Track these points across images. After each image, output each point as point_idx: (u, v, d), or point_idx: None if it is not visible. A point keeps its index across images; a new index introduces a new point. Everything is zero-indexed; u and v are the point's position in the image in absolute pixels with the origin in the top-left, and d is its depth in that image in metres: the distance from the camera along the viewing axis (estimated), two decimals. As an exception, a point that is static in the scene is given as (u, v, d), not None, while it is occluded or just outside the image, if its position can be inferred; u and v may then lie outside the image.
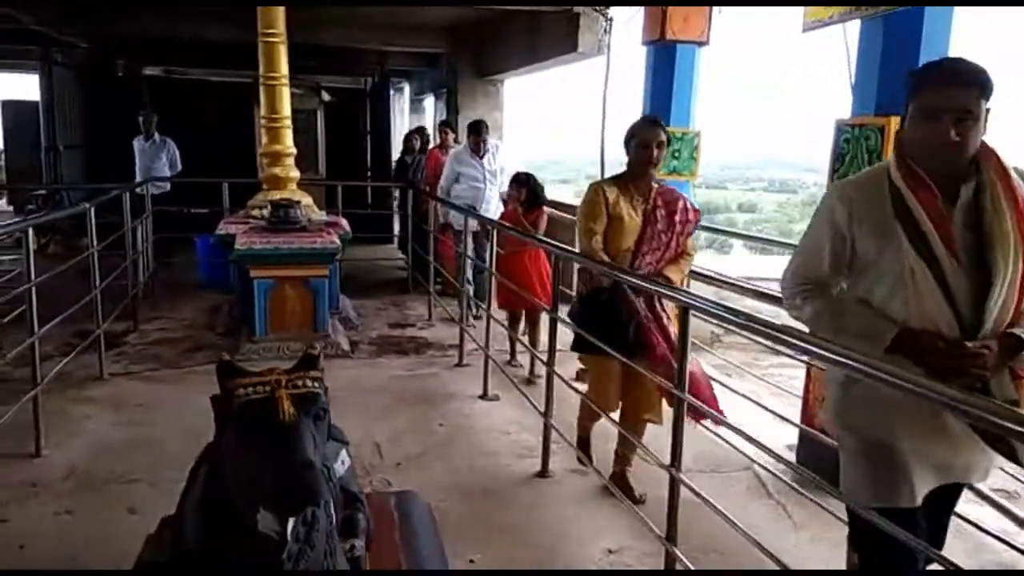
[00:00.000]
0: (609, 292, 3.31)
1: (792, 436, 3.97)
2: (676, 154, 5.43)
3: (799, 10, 3.81)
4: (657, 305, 3.28)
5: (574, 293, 3.57)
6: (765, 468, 3.45)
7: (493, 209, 6.60)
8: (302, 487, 1.37)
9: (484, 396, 4.76)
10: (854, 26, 3.53)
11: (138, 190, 7.35)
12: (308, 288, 5.57)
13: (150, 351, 5.60)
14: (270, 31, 6.16)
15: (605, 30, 7.24)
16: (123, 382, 4.92)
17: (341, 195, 8.07)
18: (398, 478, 3.58)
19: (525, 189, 5.25)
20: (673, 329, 3.20)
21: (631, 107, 7.42)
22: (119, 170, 9.29)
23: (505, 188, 6.27)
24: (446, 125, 8.21)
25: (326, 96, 10.06)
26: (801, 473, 2.73)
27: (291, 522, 1.47)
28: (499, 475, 3.71)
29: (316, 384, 1.55)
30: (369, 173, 12.24)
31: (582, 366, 5.03)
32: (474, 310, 6.27)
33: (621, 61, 7.53)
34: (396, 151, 11.17)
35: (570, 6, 7.20)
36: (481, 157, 6.68)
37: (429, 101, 14.84)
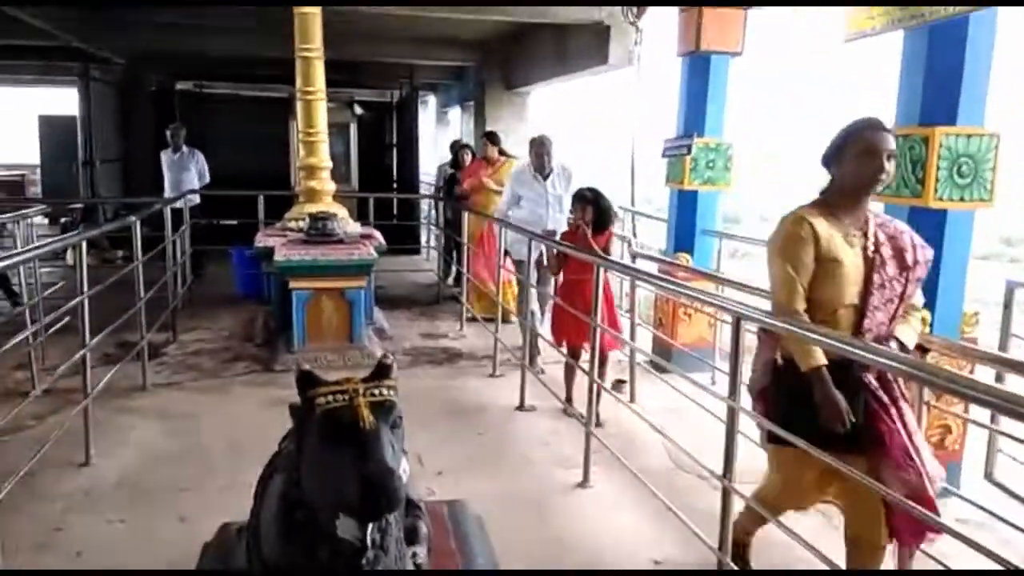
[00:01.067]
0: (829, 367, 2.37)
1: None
2: (711, 164, 5.45)
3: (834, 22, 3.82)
4: (897, 384, 2.43)
5: (762, 356, 2.55)
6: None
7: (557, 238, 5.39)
8: (385, 493, 1.40)
9: (521, 407, 4.78)
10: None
11: (177, 203, 7.47)
12: (345, 300, 5.64)
13: (190, 361, 5.69)
14: (307, 47, 6.24)
15: (636, 41, 7.28)
16: (166, 392, 5.00)
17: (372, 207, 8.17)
18: (440, 487, 3.61)
19: (592, 208, 4.58)
20: (912, 416, 2.46)
21: (659, 118, 7.45)
22: (152, 183, 9.49)
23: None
24: (490, 137, 7.60)
25: (358, 110, 10.18)
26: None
27: (369, 528, 1.51)
28: (541, 485, 3.73)
29: (392, 392, 1.59)
30: (395, 185, 12.38)
31: (621, 378, 5.08)
32: (540, 352, 5.54)
33: (649, 72, 7.57)
34: (424, 163, 11.27)
35: (604, 5, 7.18)
36: (545, 177, 5.68)
37: (455, 113, 14.96)
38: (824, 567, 2.23)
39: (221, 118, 10.74)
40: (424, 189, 11.33)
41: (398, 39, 10.01)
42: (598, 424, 4.27)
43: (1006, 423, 3.29)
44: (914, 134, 3.33)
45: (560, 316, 4.70)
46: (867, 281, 2.42)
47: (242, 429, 4.32)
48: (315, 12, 6.22)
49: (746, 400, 2.45)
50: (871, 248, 2.45)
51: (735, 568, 2.44)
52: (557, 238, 4.87)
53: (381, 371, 1.63)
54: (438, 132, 16.21)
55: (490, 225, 6.51)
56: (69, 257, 7.79)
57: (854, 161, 2.43)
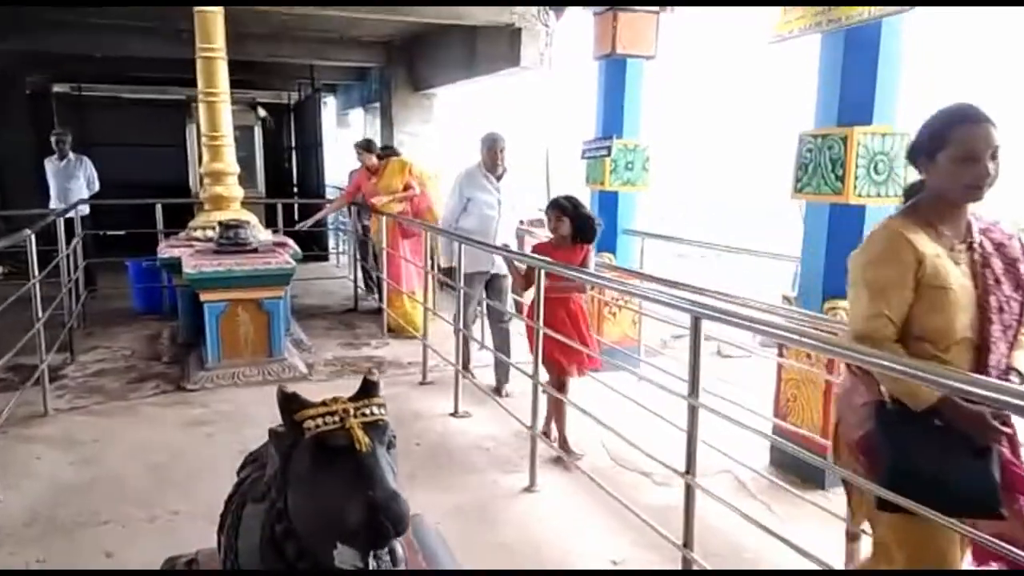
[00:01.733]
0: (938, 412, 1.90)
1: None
2: (629, 166, 5.54)
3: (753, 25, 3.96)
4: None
5: (859, 398, 2.10)
6: (749, 468, 3.54)
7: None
8: (391, 519, 1.33)
9: (455, 413, 4.71)
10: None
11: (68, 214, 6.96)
12: (262, 311, 5.40)
13: (92, 383, 5.31)
14: (209, 46, 5.95)
15: (546, 44, 7.35)
16: (70, 418, 4.64)
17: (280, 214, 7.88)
18: (385, 501, 3.50)
19: (569, 220, 4.07)
20: None
21: (574, 119, 7.51)
22: (33, 193, 8.82)
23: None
24: (364, 146, 6.99)
25: (262, 112, 9.80)
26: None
27: (370, 556, 1.42)
28: (489, 492, 3.68)
29: (383, 411, 1.51)
30: (296, 189, 11.99)
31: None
32: (507, 380, 5.11)
33: (561, 74, 7.66)
34: (332, 167, 10.97)
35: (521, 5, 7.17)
36: (499, 179, 5.21)
37: (356, 115, 14.65)
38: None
39: (107, 122, 10.10)
40: (333, 193, 11.03)
41: (297, 39, 9.70)
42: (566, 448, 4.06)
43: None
44: (833, 134, 3.49)
45: (545, 341, 3.85)
46: (982, 306, 1.95)
47: (159, 454, 4.06)
48: (216, 10, 5.94)
49: (705, 398, 2.47)
50: (979, 263, 1.99)
51: (706, 568, 2.47)
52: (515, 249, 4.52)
53: (368, 389, 1.55)
54: (339, 134, 15.83)
55: (399, 229, 6.53)
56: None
57: (949, 159, 1.95)
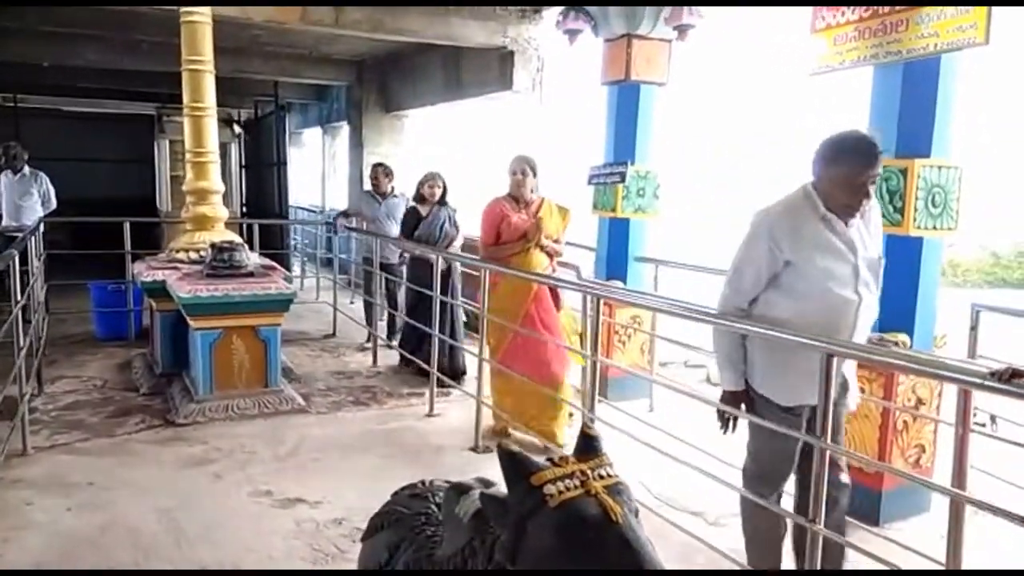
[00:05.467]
0: None
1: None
2: (641, 192, 5.46)
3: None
4: None
5: None
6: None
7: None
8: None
9: (475, 448, 4.48)
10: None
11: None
12: (258, 338, 5.07)
13: (68, 417, 4.87)
14: (196, 58, 5.62)
15: (538, 68, 7.26)
16: (53, 457, 4.21)
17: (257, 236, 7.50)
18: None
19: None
20: None
21: (563, 143, 7.40)
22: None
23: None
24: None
25: (237, 129, 9.38)
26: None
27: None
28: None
29: (615, 471, 1.32)
30: (244, 209, 11.47)
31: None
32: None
33: (550, 98, 7.58)
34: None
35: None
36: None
37: (312, 134, 14.24)
38: None
39: (61, 136, 9.50)
40: (296, 215, 10.64)
41: (267, 55, 9.35)
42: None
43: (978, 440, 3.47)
44: (891, 165, 3.46)
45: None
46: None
47: (165, 497, 3.71)
48: (205, 20, 5.62)
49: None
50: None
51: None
52: None
53: (590, 444, 1.36)
54: (291, 154, 15.37)
55: (541, 291, 4.60)
56: None
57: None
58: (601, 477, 1.28)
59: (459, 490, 1.45)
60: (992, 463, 3.50)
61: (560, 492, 1.23)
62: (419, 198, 6.10)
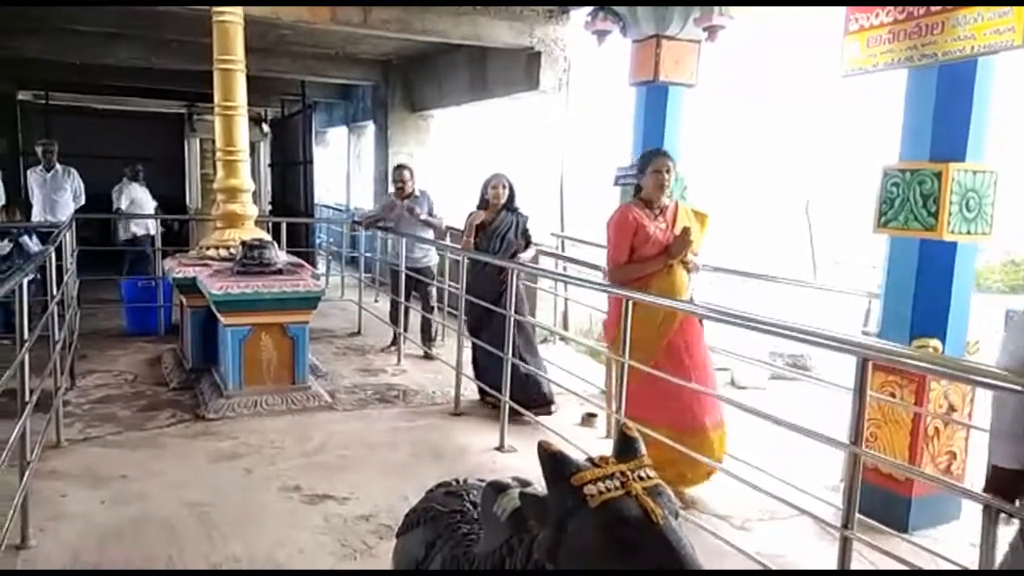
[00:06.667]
0: None
1: (832, 475, 4.00)
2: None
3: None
4: None
5: None
6: (832, 504, 3.42)
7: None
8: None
9: (501, 448, 4.50)
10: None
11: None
12: (287, 336, 5.13)
13: (100, 411, 4.95)
14: (228, 57, 5.70)
15: (565, 68, 7.26)
16: (85, 449, 4.29)
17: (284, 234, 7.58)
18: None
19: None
20: None
21: (589, 143, 7.43)
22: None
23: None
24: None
25: (266, 128, 9.48)
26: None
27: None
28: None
29: (655, 473, 1.33)
30: (271, 207, 11.59)
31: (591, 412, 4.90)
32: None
33: (576, 98, 7.58)
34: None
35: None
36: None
37: (336, 133, 14.33)
38: None
39: (89, 134, 9.65)
40: (321, 213, 10.71)
41: (294, 54, 9.43)
42: None
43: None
44: (925, 168, 3.43)
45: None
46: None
47: (197, 491, 3.76)
48: (237, 20, 5.70)
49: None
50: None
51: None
52: None
53: (629, 445, 1.37)
54: (318, 153, 15.49)
55: (689, 321, 3.82)
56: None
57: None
58: (641, 479, 1.29)
59: (497, 488, 1.47)
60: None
61: (601, 492, 1.24)
62: (483, 204, 5.38)
